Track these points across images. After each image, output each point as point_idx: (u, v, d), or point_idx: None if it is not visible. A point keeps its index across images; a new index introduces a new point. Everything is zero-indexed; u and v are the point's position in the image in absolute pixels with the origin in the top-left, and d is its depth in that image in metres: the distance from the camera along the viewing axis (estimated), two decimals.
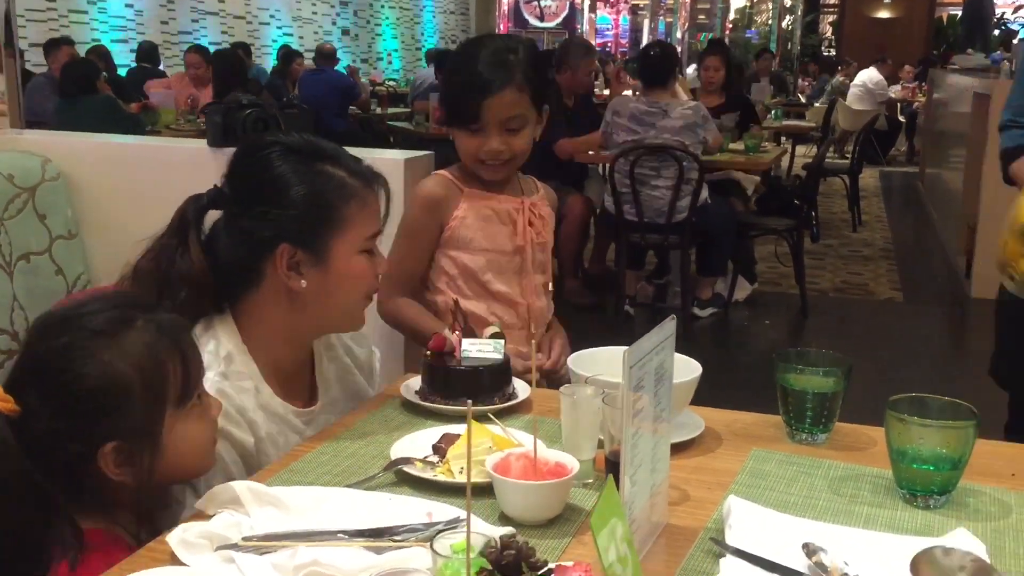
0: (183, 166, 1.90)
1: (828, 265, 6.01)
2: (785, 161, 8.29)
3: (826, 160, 7.98)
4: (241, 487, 1.00)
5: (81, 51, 7.72)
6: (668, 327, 0.98)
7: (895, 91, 11.82)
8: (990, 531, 1.02)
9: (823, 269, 5.87)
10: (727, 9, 18.59)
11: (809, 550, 0.92)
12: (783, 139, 7.97)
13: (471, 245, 1.70)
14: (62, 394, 1.00)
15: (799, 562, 0.91)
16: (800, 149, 9.23)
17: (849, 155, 8.09)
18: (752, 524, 0.99)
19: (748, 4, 18.76)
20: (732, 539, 0.96)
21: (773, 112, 7.58)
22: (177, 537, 0.93)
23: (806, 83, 13.55)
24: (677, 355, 1.27)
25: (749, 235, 4.88)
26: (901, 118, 12.03)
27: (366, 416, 1.33)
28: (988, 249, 5.05)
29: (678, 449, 1.19)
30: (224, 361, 1.23)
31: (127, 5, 10.39)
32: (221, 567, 0.89)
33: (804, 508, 1.06)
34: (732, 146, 5.04)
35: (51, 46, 6.97)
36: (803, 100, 11.23)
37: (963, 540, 0.96)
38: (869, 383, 1.10)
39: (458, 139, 1.69)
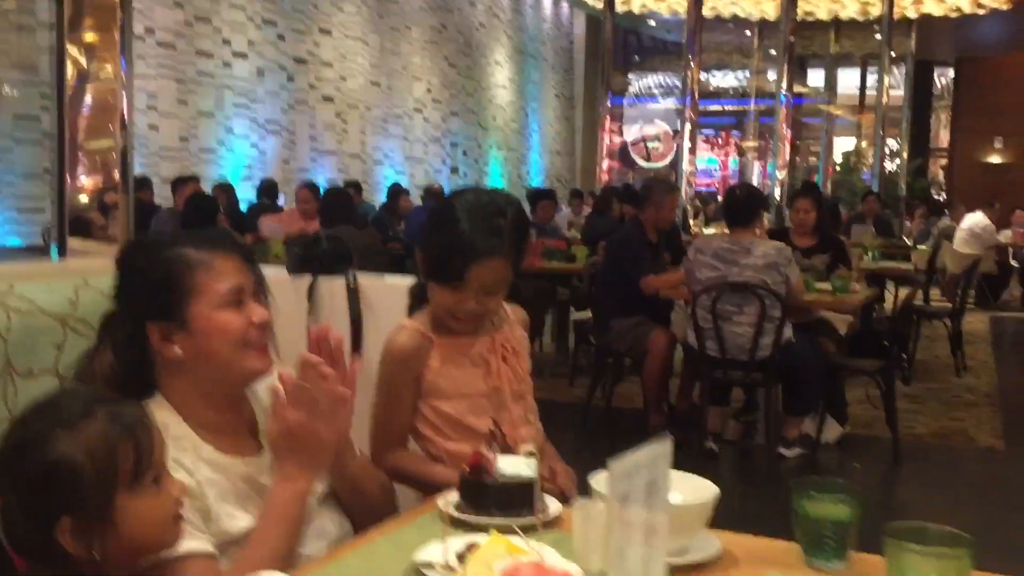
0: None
1: (926, 410, 5.84)
2: (890, 303, 8.17)
3: (931, 303, 7.85)
4: None
5: (208, 187, 8.35)
6: (663, 445, 1.05)
7: (1005, 235, 11.59)
8: None
9: (920, 414, 5.71)
10: (830, 152, 18.70)
11: None
12: (888, 283, 7.89)
13: (448, 393, 1.74)
14: (24, 477, 1.15)
15: None
16: (905, 292, 9.08)
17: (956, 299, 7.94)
18: None
19: (853, 149, 18.84)
20: None
21: (871, 253, 7.53)
22: None
23: (913, 225, 13.41)
24: (694, 476, 1.34)
25: (838, 375, 4.83)
26: (1014, 262, 11.75)
27: (403, 526, 1.42)
28: None
29: (690, 570, 1.24)
30: (162, 429, 1.31)
31: (252, 145, 11.22)
32: None
33: None
34: (820, 286, 5.05)
35: (179, 183, 7.54)
36: (908, 243, 11.11)
37: None
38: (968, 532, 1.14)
39: (434, 291, 1.73)
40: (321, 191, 6.89)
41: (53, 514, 1.13)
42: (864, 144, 18.37)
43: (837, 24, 16.54)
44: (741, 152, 21.90)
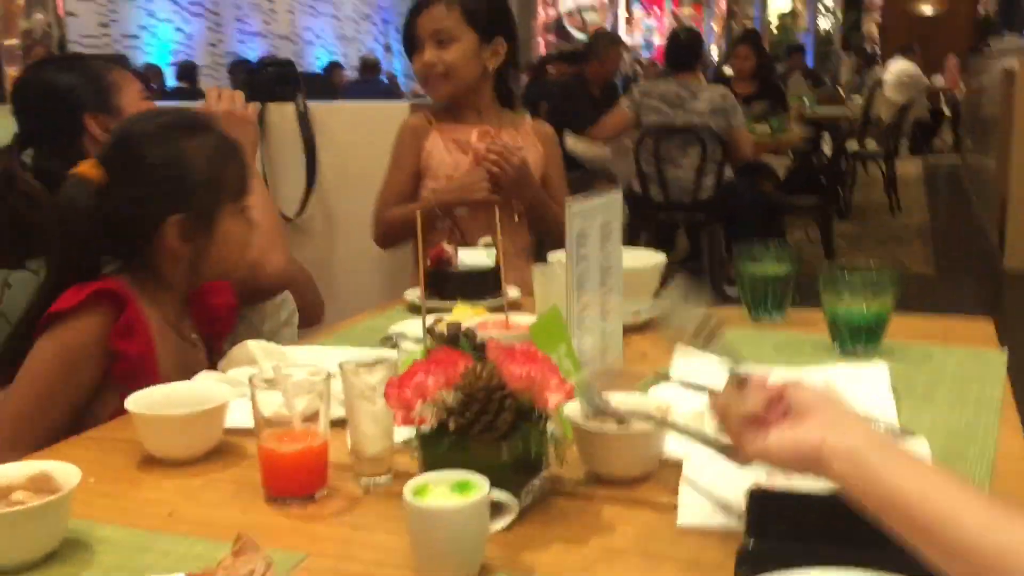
0: None
1: (863, 245, 6.05)
2: (827, 150, 8.33)
3: (866, 148, 8.03)
4: (254, 345, 1.17)
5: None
6: (615, 193, 1.13)
7: (937, 81, 11.76)
8: (907, 370, 1.15)
9: (858, 250, 5.91)
10: (764, 13, 18.60)
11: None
12: (824, 135, 8.04)
13: (434, 172, 1.88)
14: (143, 170, 1.20)
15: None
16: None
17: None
18: (694, 366, 1.13)
19: (788, 11, 18.75)
20: (674, 375, 1.11)
21: (807, 99, 7.62)
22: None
23: (845, 74, 13.53)
24: (644, 249, 1.43)
25: (778, 214, 4.97)
26: (946, 109, 11.96)
27: (370, 318, 1.50)
28: (1020, 221, 5.11)
29: (643, 328, 1.33)
30: None
31: (177, 28, 10.81)
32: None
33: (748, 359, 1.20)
34: (759, 128, 5.14)
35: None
36: (843, 93, 11.23)
37: (874, 368, 1.09)
38: None
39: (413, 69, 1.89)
40: None
41: (167, 207, 1.19)
42: (799, 4, 18.30)
43: None
44: (677, 19, 21.66)
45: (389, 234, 1.89)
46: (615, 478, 0.87)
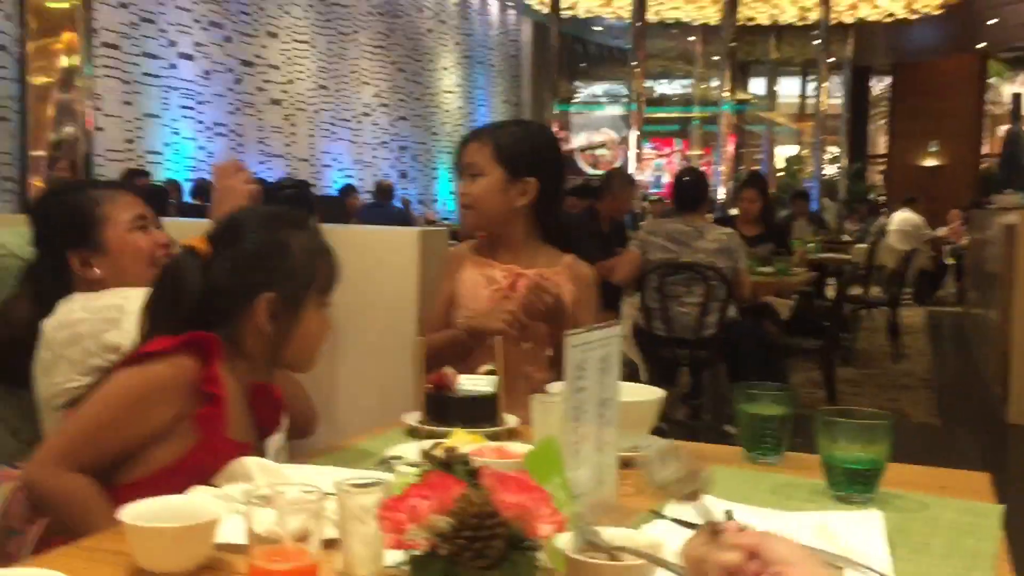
0: None
1: (866, 392, 6.04)
2: (830, 294, 8.43)
3: (869, 295, 8.12)
4: (251, 462, 1.18)
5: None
6: (614, 328, 1.15)
7: (941, 231, 11.99)
8: (902, 519, 1.15)
9: (860, 395, 5.91)
10: (771, 158, 19.12)
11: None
12: (828, 281, 8.16)
13: (465, 303, 1.93)
14: (244, 248, 1.33)
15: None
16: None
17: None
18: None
19: (795, 155, 19.31)
20: (668, 512, 1.11)
21: (812, 245, 7.76)
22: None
23: (854, 225, 13.79)
24: (641, 385, 1.45)
25: (780, 356, 5.00)
26: (950, 259, 12.14)
27: (368, 440, 1.50)
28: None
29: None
30: None
31: (200, 147, 11.16)
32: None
33: (744, 502, 1.20)
34: (763, 269, 5.22)
35: (131, 176, 7.52)
36: (848, 239, 11.43)
37: (868, 516, 1.09)
38: None
39: None
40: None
41: (262, 285, 1.30)
42: (805, 151, 18.85)
43: (778, 30, 16.96)
44: (686, 159, 22.26)
45: (433, 353, 1.93)
46: None
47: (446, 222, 13.58)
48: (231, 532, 0.97)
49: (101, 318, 1.51)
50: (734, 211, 7.47)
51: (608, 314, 5.07)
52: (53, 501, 1.23)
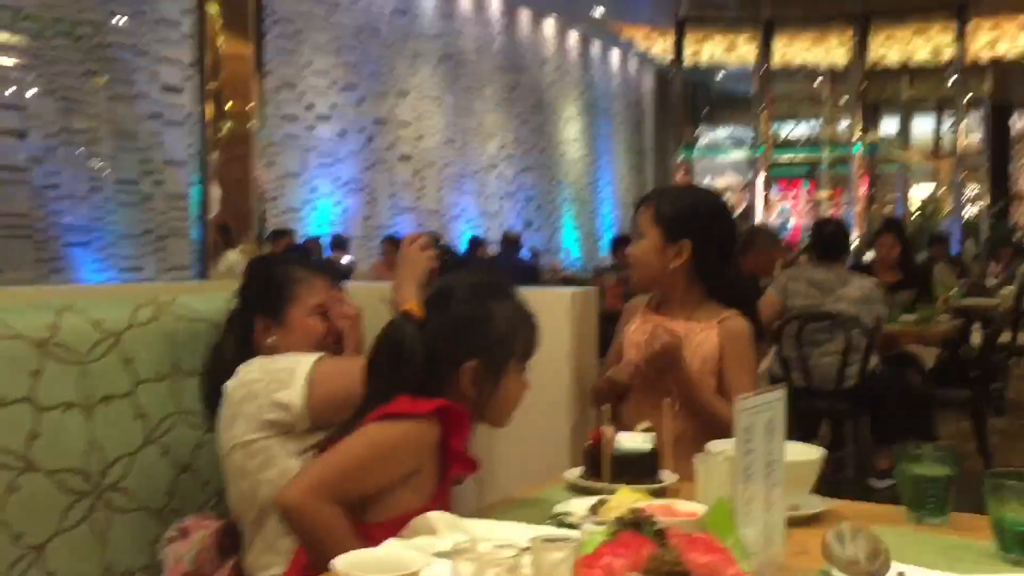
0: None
1: (1019, 446, 5.76)
2: (977, 340, 8.09)
3: (1018, 341, 7.75)
4: (435, 517, 1.27)
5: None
6: (778, 391, 1.20)
7: None
8: None
9: (1015, 450, 5.63)
10: (906, 199, 18.51)
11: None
12: (973, 326, 7.84)
13: (628, 352, 2.06)
14: (453, 318, 1.47)
15: None
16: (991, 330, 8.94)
17: None
18: None
19: (930, 195, 18.64)
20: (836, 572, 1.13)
21: (955, 291, 7.49)
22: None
23: (998, 268, 13.20)
24: (802, 444, 1.47)
25: (926, 407, 4.84)
26: None
27: (532, 493, 1.58)
28: None
29: (803, 523, 1.36)
30: None
31: (336, 203, 11.65)
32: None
33: (911, 562, 1.21)
34: (905, 317, 5.08)
35: (276, 235, 7.94)
36: (994, 283, 10.94)
37: None
38: None
39: None
40: None
41: (468, 353, 1.45)
42: (941, 191, 18.17)
43: (909, 70, 16.52)
44: (814, 202, 21.78)
45: (593, 396, 2.14)
46: None
47: (568, 271, 13.72)
48: None
49: (274, 379, 1.64)
50: (868, 256, 7.30)
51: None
52: (313, 529, 1.36)
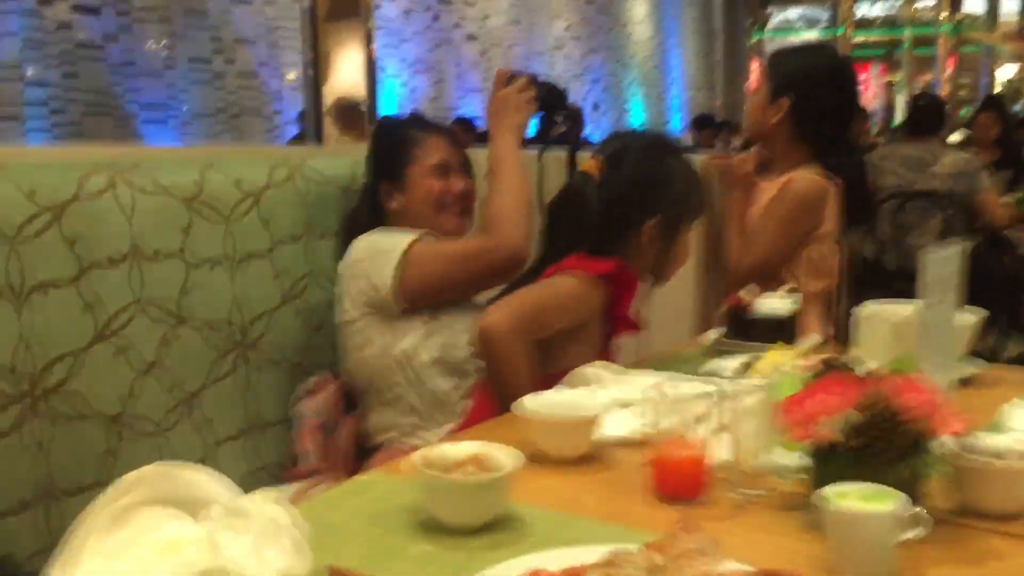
0: None
1: None
2: None
3: None
4: (600, 367, 1.29)
5: None
6: (958, 246, 1.17)
7: None
8: None
9: None
10: (991, 83, 17.72)
11: None
12: None
13: None
14: (634, 176, 1.49)
15: None
16: None
17: None
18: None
19: (1016, 77, 17.80)
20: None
21: None
22: None
23: None
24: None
25: (1019, 292, 4.73)
26: None
27: (677, 354, 1.59)
28: None
29: (960, 384, 1.35)
30: None
31: (403, 84, 11.53)
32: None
33: None
34: (1004, 199, 4.93)
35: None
36: None
37: None
38: None
39: None
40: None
41: (650, 210, 1.49)
42: None
43: None
44: (888, 83, 20.97)
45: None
46: (992, 512, 0.91)
47: None
48: (612, 427, 1.07)
49: (375, 260, 1.65)
50: (955, 137, 7.04)
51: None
52: (508, 358, 1.41)
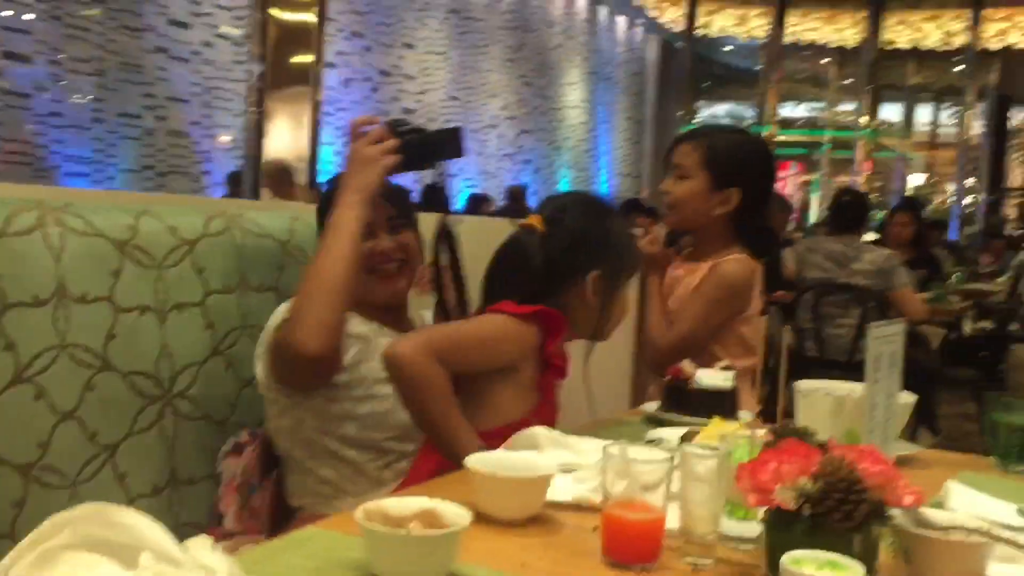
0: None
1: None
2: (966, 328, 8.16)
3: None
4: (539, 432, 1.26)
5: None
6: (901, 325, 1.19)
7: None
8: None
9: None
10: (903, 188, 18.54)
11: None
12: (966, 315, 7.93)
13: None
14: (576, 230, 1.49)
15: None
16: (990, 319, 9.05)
17: None
18: (969, 499, 1.16)
19: (924, 184, 18.69)
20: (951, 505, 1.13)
21: (955, 276, 7.54)
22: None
23: (989, 259, 13.30)
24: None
25: (931, 384, 4.88)
26: None
27: (614, 424, 1.57)
28: None
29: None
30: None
31: (336, 153, 11.54)
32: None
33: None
34: (918, 296, 5.10)
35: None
36: (986, 272, 11.03)
37: None
38: None
39: None
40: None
41: (592, 264, 1.47)
42: (935, 180, 18.21)
43: (918, 54, 16.49)
44: (807, 184, 21.76)
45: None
46: None
47: None
48: (557, 492, 1.04)
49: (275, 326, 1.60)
50: (868, 236, 7.32)
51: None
52: (419, 381, 1.34)
